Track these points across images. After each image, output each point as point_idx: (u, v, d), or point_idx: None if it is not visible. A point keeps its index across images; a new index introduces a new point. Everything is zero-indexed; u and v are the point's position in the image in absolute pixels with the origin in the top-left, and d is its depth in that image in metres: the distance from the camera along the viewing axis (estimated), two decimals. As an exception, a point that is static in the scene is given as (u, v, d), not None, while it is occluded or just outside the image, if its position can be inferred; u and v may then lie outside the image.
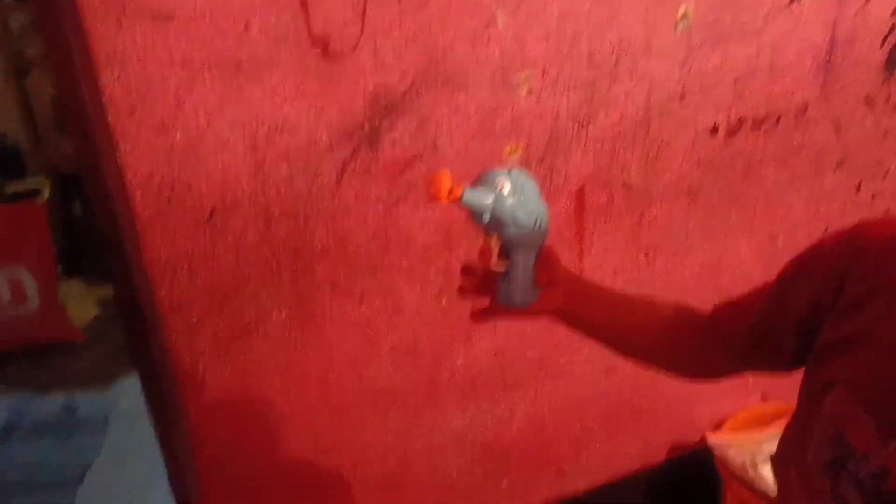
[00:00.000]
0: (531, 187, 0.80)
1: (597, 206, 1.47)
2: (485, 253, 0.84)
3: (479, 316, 0.92)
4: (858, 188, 1.72)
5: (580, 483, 1.76)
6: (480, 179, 0.79)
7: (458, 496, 1.64)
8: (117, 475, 2.47)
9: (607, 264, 1.53)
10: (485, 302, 0.90)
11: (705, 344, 0.89)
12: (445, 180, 0.75)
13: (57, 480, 2.43)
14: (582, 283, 0.93)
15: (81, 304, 3.11)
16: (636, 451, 1.78)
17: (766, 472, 1.66)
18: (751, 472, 1.67)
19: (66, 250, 3.20)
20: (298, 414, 1.42)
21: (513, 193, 0.78)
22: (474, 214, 0.78)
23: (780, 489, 0.89)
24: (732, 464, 1.69)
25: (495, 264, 0.84)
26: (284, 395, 1.39)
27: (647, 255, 1.55)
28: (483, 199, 0.77)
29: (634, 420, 1.74)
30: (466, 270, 0.90)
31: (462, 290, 0.91)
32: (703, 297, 0.91)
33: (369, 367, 1.43)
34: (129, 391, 2.79)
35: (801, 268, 0.77)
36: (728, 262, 1.65)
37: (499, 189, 0.78)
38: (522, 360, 1.55)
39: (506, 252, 0.83)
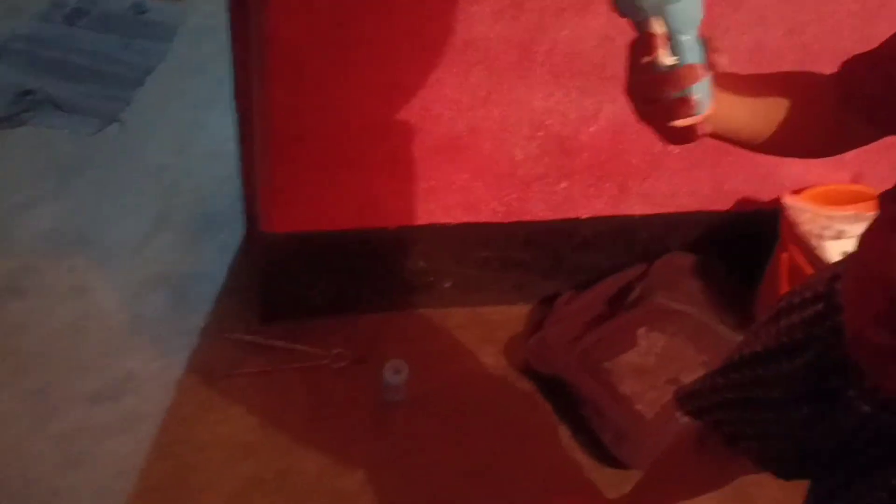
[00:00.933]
0: None
1: None
2: (648, 46, 0.64)
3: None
4: None
5: (638, 206, 1.70)
6: None
7: (513, 179, 1.60)
8: (178, 86, 2.45)
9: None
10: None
11: (836, 111, 0.76)
12: None
13: (119, 75, 2.42)
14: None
15: None
16: (705, 191, 1.70)
17: (829, 247, 1.59)
18: (815, 241, 1.60)
19: None
20: (380, 51, 1.32)
21: None
22: None
23: (885, 215, 0.81)
24: (800, 229, 1.61)
25: (664, 56, 0.64)
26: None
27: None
28: None
29: (715, 159, 1.63)
30: (647, 88, 0.68)
31: (645, 116, 0.69)
32: None
33: (467, 10, 1.30)
34: (202, 8, 2.69)
35: None
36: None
37: None
38: (628, 54, 1.40)
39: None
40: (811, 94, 0.78)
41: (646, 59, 0.66)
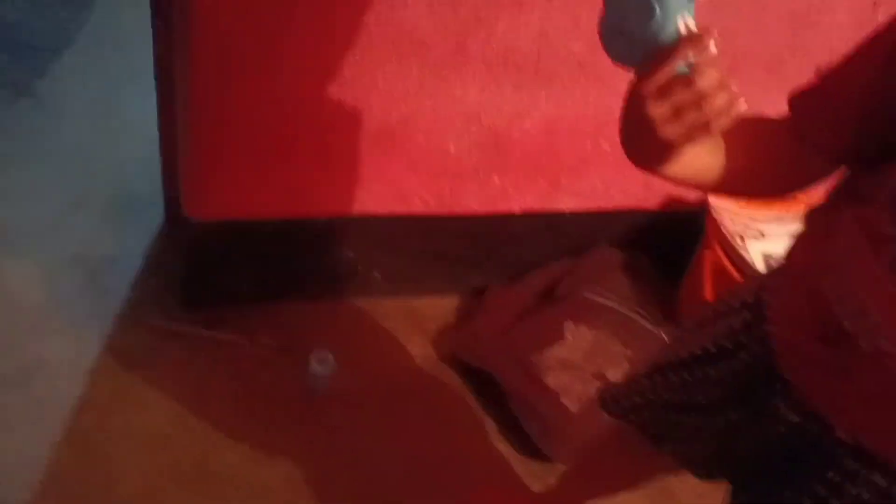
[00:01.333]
0: None
1: None
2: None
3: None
4: None
5: (569, 202, 1.71)
6: None
7: (446, 172, 1.58)
8: (98, 58, 2.34)
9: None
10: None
11: (793, 151, 0.77)
12: None
13: (33, 44, 2.29)
14: None
15: None
16: (635, 189, 1.72)
17: (751, 248, 1.64)
18: (738, 241, 1.64)
19: None
20: (313, 37, 1.28)
21: None
22: None
23: (815, 229, 0.83)
24: (724, 228, 1.65)
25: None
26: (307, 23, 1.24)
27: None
28: None
29: (646, 158, 1.65)
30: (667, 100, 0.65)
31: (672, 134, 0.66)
32: None
33: (404, 2, 1.27)
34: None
35: None
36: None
37: None
38: (564, 51, 1.40)
39: None
40: (767, 138, 0.79)
41: (663, 76, 0.64)
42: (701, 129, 0.65)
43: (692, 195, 1.75)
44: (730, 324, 0.93)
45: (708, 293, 1.64)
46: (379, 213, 1.63)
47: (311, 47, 1.31)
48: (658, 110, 0.65)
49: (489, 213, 1.68)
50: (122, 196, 1.98)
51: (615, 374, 1.65)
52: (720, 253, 1.62)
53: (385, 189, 1.58)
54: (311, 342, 1.70)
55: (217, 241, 1.60)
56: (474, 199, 1.65)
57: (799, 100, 0.79)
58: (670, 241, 1.83)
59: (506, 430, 1.66)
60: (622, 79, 1.26)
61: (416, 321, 1.82)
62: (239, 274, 1.70)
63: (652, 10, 0.61)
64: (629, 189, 1.72)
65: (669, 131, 0.66)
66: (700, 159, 0.75)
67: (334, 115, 1.42)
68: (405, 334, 1.80)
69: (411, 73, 1.38)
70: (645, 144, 0.69)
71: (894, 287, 0.68)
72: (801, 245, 0.86)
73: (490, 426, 1.67)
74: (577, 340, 1.68)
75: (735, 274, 1.60)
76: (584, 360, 1.66)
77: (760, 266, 1.61)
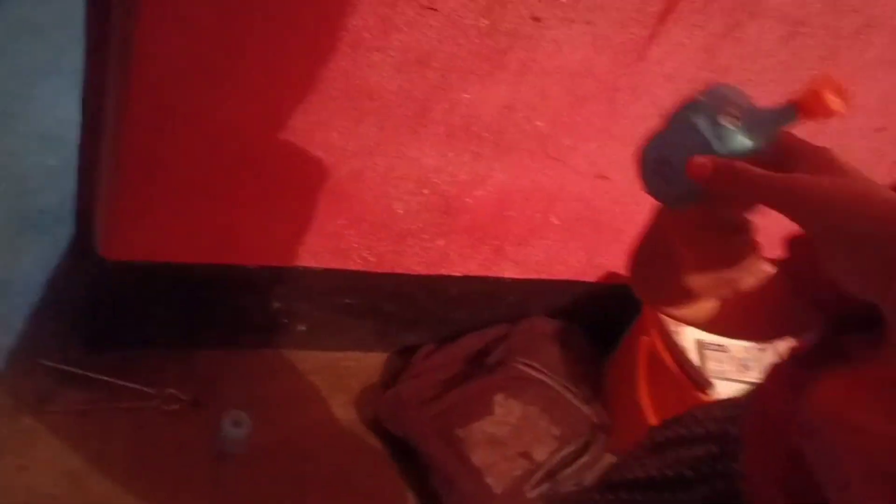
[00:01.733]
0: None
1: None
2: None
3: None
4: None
5: (511, 270, 1.66)
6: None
7: (390, 232, 1.50)
8: (8, 49, 2.13)
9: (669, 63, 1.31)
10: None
11: (786, 297, 0.74)
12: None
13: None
14: None
15: None
16: (577, 262, 1.69)
17: (686, 334, 1.62)
18: (672, 326, 1.63)
19: None
20: (264, 82, 1.17)
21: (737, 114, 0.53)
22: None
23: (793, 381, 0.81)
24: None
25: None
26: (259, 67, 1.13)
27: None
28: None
29: (595, 232, 1.62)
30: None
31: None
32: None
33: (368, 58, 1.18)
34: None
35: None
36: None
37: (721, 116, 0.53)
38: (528, 126, 1.35)
39: None
40: (767, 283, 0.76)
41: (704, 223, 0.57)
42: (728, 287, 0.60)
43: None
44: (693, 452, 0.88)
45: (641, 380, 1.62)
46: (313, 266, 1.53)
47: (262, 91, 1.20)
48: (690, 257, 0.59)
49: (429, 275, 1.61)
50: (24, 211, 1.79)
51: (541, 454, 1.60)
52: (657, 339, 1.60)
53: (324, 243, 1.48)
54: (225, 396, 1.58)
55: (130, 284, 1.46)
56: (416, 261, 1.57)
57: (794, 248, 0.75)
58: (606, 314, 1.81)
59: (426, 504, 1.58)
60: (581, 157, 1.22)
61: (340, 378, 1.73)
62: (150, 316, 1.56)
63: (707, 145, 0.55)
64: (571, 262, 1.68)
65: (696, 282, 0.61)
66: (705, 306, 0.71)
67: (279, 164, 1.32)
68: (328, 391, 1.70)
69: (368, 132, 1.29)
70: (663, 286, 0.64)
71: None
72: (774, 391, 0.83)
73: (410, 500, 1.59)
74: (505, 415, 1.62)
75: (670, 362, 1.58)
76: (512, 436, 1.61)
77: (694, 354, 1.60)
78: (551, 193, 1.50)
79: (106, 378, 1.54)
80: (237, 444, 1.50)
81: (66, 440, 1.45)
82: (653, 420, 1.56)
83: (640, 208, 1.55)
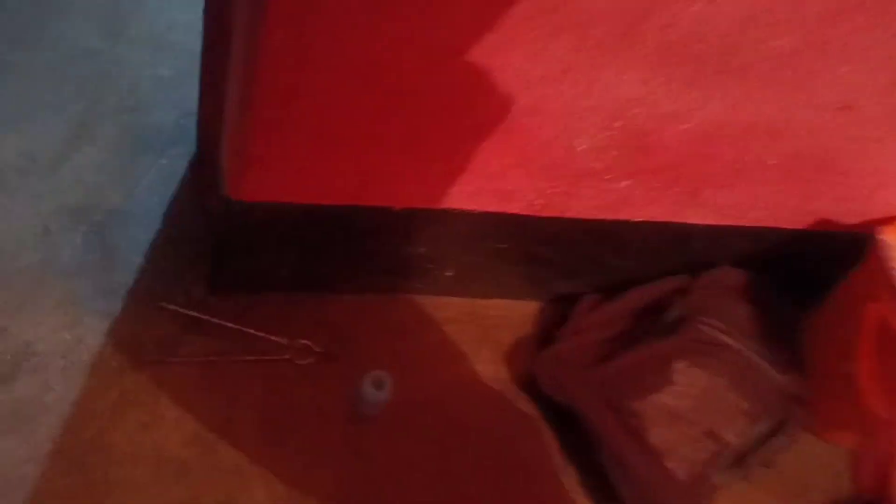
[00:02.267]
0: None
1: None
2: None
3: None
4: None
5: (703, 216, 1.36)
6: None
7: (566, 172, 1.23)
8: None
9: None
10: None
11: None
12: None
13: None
14: None
15: None
16: (786, 207, 1.37)
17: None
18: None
19: None
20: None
21: None
22: None
23: None
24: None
25: None
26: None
27: None
28: None
29: (818, 174, 1.29)
30: None
31: None
32: None
33: None
34: None
35: None
36: None
37: None
38: (765, 46, 1.02)
39: None
40: None
41: None
42: None
43: (851, 219, 1.41)
44: None
45: (864, 356, 1.32)
46: (471, 210, 1.28)
47: (431, 7, 0.93)
48: None
49: (603, 220, 1.34)
50: (138, 127, 1.60)
51: (730, 433, 1.36)
52: (891, 309, 1.29)
53: (485, 184, 1.23)
54: (361, 348, 1.40)
55: (259, 219, 1.26)
56: (590, 204, 1.30)
57: None
58: (806, 266, 1.50)
59: (591, 484, 1.38)
60: (824, 84, 0.99)
61: (487, 329, 1.51)
62: (281, 259, 1.37)
63: None
64: (779, 207, 1.37)
65: None
66: None
67: (442, 97, 1.05)
68: (474, 345, 1.49)
69: (559, 53, 1.00)
70: None
71: None
72: None
73: (570, 476, 1.39)
74: (688, 386, 1.37)
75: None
76: (694, 412, 1.36)
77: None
78: (774, 128, 1.18)
79: (233, 325, 1.37)
80: (377, 406, 1.32)
81: (193, 395, 1.31)
82: (877, 405, 1.28)
83: (880, 146, 1.22)
